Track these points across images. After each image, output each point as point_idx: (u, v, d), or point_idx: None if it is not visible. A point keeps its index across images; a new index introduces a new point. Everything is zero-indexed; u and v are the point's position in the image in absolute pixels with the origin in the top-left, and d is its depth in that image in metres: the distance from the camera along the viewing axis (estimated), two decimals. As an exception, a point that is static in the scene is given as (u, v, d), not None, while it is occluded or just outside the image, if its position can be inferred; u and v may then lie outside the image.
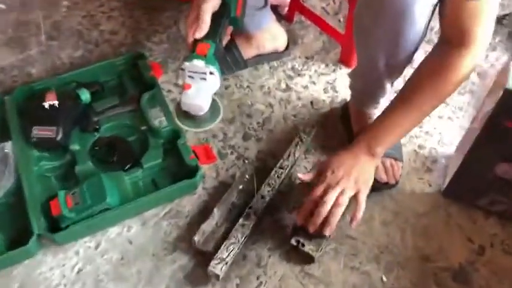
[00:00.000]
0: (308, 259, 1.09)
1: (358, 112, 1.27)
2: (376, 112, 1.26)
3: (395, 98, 1.06)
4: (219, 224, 1.13)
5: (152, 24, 1.59)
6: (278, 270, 1.10)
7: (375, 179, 1.14)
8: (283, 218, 1.16)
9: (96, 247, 1.12)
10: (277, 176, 1.20)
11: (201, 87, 1.15)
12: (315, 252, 1.07)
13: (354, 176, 1.03)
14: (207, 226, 1.12)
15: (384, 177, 1.19)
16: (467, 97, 1.42)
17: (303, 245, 1.08)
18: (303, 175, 1.07)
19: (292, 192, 1.14)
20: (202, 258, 1.09)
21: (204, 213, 1.17)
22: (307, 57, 1.51)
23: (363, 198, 1.03)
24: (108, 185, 1.12)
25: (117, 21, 1.60)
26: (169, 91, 1.40)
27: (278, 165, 1.22)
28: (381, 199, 1.20)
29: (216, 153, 1.28)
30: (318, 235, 1.06)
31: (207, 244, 1.10)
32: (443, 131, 1.35)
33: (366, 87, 1.21)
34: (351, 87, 1.28)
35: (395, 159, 1.22)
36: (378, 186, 1.17)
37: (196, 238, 1.10)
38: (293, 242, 1.10)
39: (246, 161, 1.28)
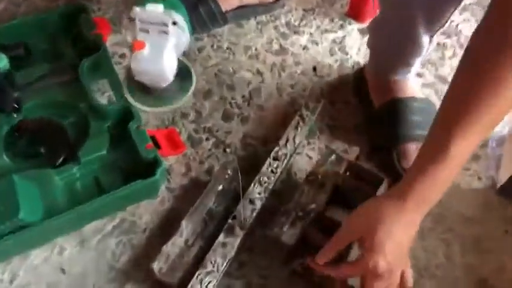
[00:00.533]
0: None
1: (380, 80, 0.93)
2: (408, 81, 0.91)
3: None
4: (190, 243, 0.79)
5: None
6: (276, 308, 0.77)
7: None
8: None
9: (11, 280, 0.78)
10: (272, 171, 0.86)
11: (161, 45, 0.80)
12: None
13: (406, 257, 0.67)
14: (173, 247, 0.77)
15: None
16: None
17: (310, 272, 0.75)
18: (317, 261, 0.70)
19: (294, 193, 0.80)
20: (166, 294, 0.75)
21: (168, 226, 0.83)
22: (305, 10, 1.15)
23: (410, 274, 0.68)
24: (25, 191, 0.77)
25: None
26: (121, 56, 1.04)
27: (272, 155, 0.88)
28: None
29: (185, 139, 0.94)
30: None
31: (173, 273, 0.76)
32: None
33: (392, 43, 0.87)
34: (370, 45, 0.93)
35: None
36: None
37: (156, 265, 0.75)
38: (296, 266, 0.77)
39: (228, 150, 0.93)
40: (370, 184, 0.79)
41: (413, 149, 0.86)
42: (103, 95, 0.95)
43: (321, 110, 0.96)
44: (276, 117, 0.98)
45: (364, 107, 0.97)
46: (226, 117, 0.98)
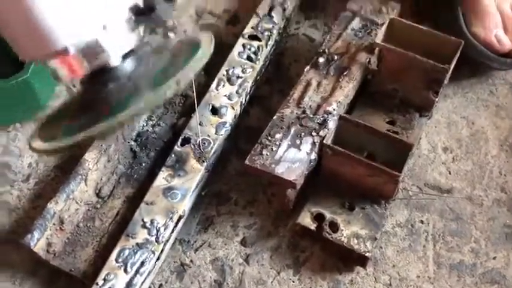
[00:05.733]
0: (352, 259, 0.41)
1: None
2: None
3: None
4: (106, 194, 0.42)
5: None
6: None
7: (483, 43, 0.49)
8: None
9: None
10: (249, 58, 0.48)
11: None
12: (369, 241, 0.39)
13: None
14: (71, 202, 0.41)
15: (503, 39, 0.49)
16: None
17: (337, 231, 0.39)
18: None
19: (292, 90, 0.44)
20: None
21: (65, 163, 0.46)
22: None
23: None
24: None
25: None
26: None
27: (247, 31, 0.50)
28: (489, 92, 0.52)
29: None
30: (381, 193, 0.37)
31: (73, 253, 0.39)
32: None
33: None
34: None
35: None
36: (490, 57, 0.49)
37: (37, 239, 0.39)
38: (306, 220, 0.41)
39: (171, 35, 0.55)
40: (435, 58, 0.42)
41: (492, 7, 0.49)
42: None
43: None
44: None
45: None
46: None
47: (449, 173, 0.47)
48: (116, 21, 0.29)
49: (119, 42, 0.29)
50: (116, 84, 0.30)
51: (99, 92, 0.31)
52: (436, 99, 0.44)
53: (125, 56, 0.31)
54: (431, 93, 0.43)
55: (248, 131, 0.49)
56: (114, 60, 0.30)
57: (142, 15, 0.31)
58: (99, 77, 0.31)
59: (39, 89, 0.46)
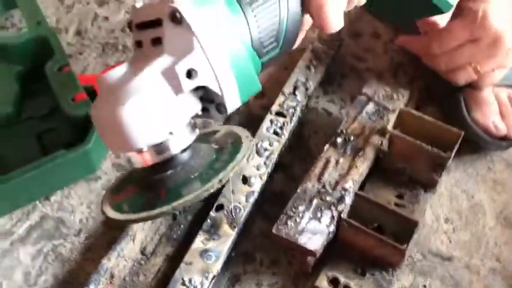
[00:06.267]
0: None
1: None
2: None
3: None
4: (149, 252, 0.48)
5: None
6: None
7: (482, 127, 0.56)
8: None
9: None
10: (275, 133, 0.55)
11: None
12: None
13: None
14: (121, 259, 0.47)
15: (499, 124, 0.56)
16: None
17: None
18: None
19: (313, 166, 0.50)
20: None
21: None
22: None
23: None
24: None
25: None
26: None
27: (274, 109, 0.57)
28: (486, 167, 0.58)
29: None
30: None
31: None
32: None
33: None
34: None
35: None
36: (488, 141, 0.55)
37: (92, 291, 0.45)
38: (323, 283, 0.47)
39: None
40: (439, 144, 0.49)
41: (490, 95, 0.56)
42: (13, 28, 0.64)
43: (341, 48, 0.65)
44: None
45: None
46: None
47: (450, 242, 0.53)
48: (179, 127, 0.35)
49: (181, 140, 0.36)
50: (172, 172, 0.37)
51: (159, 174, 0.37)
52: (439, 179, 0.51)
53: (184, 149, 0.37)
54: (435, 174, 0.50)
55: (272, 195, 0.55)
56: (175, 151, 0.36)
57: (200, 117, 0.38)
58: (161, 163, 0.36)
59: (96, 156, 0.53)
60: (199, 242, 0.47)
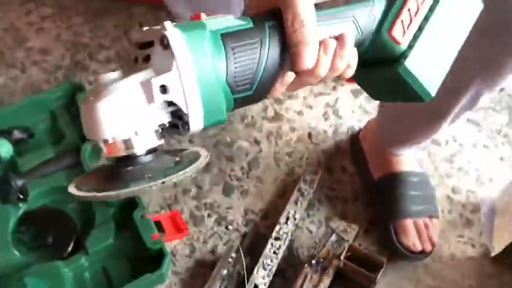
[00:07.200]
0: None
1: (380, 152, 0.95)
2: (409, 154, 0.94)
3: None
4: (199, 333, 0.81)
5: (96, 36, 1.22)
6: None
7: (405, 248, 0.86)
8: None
9: None
10: (274, 252, 0.88)
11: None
12: None
13: None
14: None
15: (417, 244, 0.88)
16: (506, 116, 1.12)
17: None
18: None
19: (298, 278, 0.83)
20: None
21: (177, 315, 0.85)
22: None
23: None
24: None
25: (50, 35, 1.22)
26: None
27: (274, 234, 0.90)
28: (412, 272, 0.90)
29: (187, 218, 0.96)
30: None
31: None
32: (479, 165, 1.04)
33: (406, 127, 0.88)
34: (378, 121, 0.95)
35: (430, 217, 0.91)
36: (410, 257, 0.88)
37: None
38: None
39: (230, 227, 0.96)
40: (370, 268, 0.82)
41: (410, 224, 0.89)
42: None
43: (319, 181, 0.99)
44: (275, 188, 1.01)
45: (362, 177, 0.99)
46: (227, 191, 1.00)
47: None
48: (145, 130, 0.39)
49: (145, 143, 0.40)
50: (132, 169, 0.40)
51: (121, 168, 0.40)
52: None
53: (148, 151, 0.40)
54: (372, 284, 0.82)
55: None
56: (139, 152, 0.40)
57: (168, 130, 0.41)
58: (124, 159, 0.40)
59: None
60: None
